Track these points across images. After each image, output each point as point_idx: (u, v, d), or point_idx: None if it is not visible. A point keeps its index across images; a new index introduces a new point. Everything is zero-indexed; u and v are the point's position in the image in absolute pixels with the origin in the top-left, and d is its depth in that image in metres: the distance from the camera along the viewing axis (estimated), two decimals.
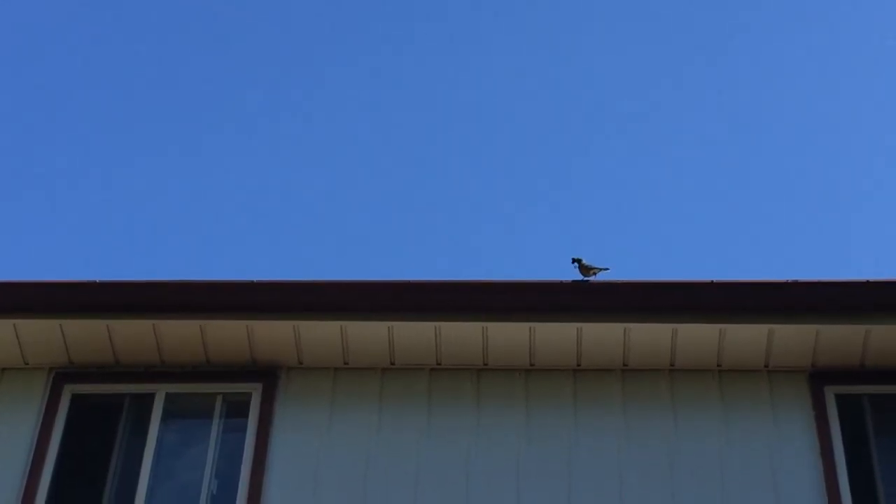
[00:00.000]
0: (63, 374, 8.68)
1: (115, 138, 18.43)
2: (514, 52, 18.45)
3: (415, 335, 8.52)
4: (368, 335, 8.52)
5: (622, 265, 9.00)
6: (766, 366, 8.53)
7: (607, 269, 8.64)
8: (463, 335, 8.51)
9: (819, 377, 8.51)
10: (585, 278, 8.56)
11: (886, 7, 18.04)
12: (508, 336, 8.50)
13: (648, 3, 18.39)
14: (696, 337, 8.43)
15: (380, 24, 18.47)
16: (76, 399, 8.67)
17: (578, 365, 8.60)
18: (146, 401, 8.63)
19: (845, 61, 18.33)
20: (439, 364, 8.63)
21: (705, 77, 18.52)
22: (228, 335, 8.55)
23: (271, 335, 8.54)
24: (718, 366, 8.55)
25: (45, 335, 8.58)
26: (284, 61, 18.59)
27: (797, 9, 18.38)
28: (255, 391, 8.60)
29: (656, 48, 18.51)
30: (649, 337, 8.45)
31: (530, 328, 8.46)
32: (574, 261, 8.63)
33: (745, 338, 8.42)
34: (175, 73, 18.40)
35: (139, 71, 18.28)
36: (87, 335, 8.58)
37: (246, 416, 8.53)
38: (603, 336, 8.46)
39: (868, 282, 8.33)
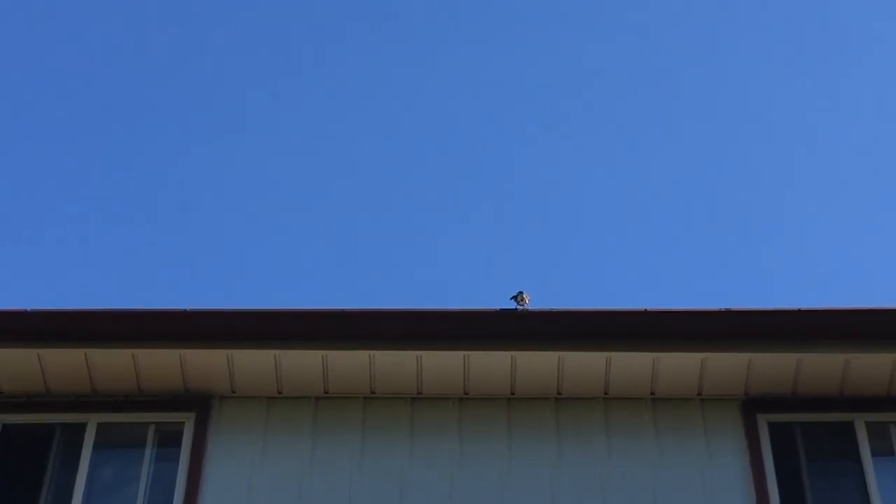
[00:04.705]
0: None
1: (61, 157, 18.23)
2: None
3: (349, 364, 8.48)
4: (302, 364, 8.47)
5: (558, 293, 9.02)
6: (700, 394, 8.56)
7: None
8: (397, 363, 8.48)
9: (751, 405, 8.55)
10: (519, 306, 8.56)
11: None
12: (443, 364, 8.48)
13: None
14: (630, 365, 8.45)
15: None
16: (6, 428, 8.58)
17: (512, 393, 8.59)
18: (77, 430, 8.54)
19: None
20: (373, 392, 8.59)
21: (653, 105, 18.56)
22: (161, 364, 8.48)
23: (204, 364, 8.48)
24: (652, 394, 8.57)
25: None
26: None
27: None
28: (188, 420, 8.54)
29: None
30: (583, 365, 8.46)
31: (464, 356, 8.45)
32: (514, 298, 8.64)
33: (679, 366, 8.44)
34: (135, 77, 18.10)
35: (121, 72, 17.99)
36: (18, 363, 8.49)
37: (179, 445, 8.47)
38: (537, 364, 8.46)
39: (799, 310, 8.38)
